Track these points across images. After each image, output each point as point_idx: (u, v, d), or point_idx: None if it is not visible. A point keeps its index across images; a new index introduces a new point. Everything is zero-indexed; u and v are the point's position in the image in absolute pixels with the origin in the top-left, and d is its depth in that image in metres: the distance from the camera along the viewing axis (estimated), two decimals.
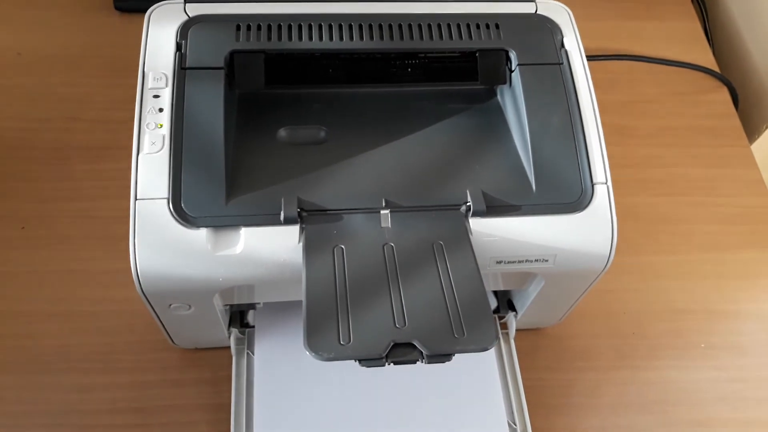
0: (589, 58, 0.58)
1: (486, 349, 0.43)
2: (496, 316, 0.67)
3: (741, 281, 0.74)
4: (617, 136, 0.83)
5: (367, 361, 0.43)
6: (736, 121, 0.86)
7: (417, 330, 0.44)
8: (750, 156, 0.83)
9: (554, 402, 0.66)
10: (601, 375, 0.67)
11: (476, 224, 0.51)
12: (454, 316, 0.45)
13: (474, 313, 0.45)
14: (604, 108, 0.56)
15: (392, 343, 0.43)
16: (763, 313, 0.72)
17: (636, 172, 0.81)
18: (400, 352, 0.43)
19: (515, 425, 0.62)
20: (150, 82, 0.52)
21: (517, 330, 0.66)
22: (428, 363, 0.43)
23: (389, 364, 0.43)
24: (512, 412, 0.63)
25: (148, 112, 0.51)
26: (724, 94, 0.88)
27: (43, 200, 0.72)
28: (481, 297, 0.46)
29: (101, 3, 0.86)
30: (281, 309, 0.62)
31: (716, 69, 0.90)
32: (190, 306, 0.54)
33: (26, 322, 0.66)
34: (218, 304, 0.56)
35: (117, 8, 0.85)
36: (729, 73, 0.91)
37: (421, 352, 0.43)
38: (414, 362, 0.43)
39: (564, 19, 0.59)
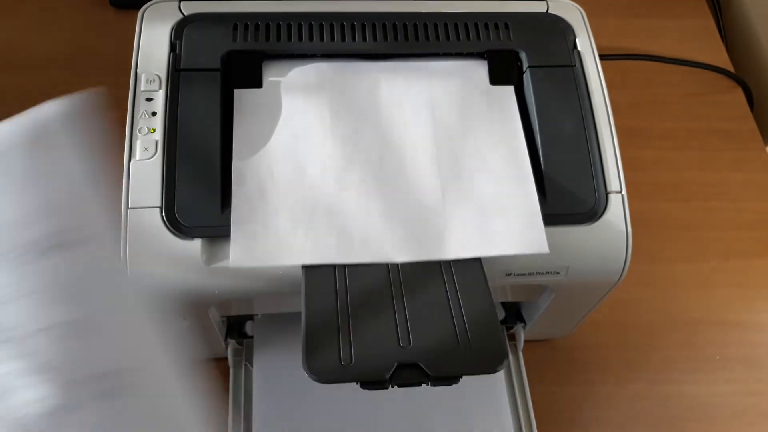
0: (600, 57, 0.55)
1: (495, 372, 0.41)
2: (503, 327, 0.64)
3: (758, 290, 0.72)
4: (628, 138, 0.79)
5: (370, 384, 0.40)
6: (752, 123, 0.83)
7: (422, 350, 0.42)
8: (766, 159, 0.80)
9: (564, 416, 0.63)
10: (612, 388, 0.65)
11: None
12: (462, 334, 0.42)
13: (482, 332, 0.43)
14: (615, 109, 0.53)
15: (396, 365, 0.41)
16: None
17: (648, 176, 0.78)
18: (405, 374, 0.41)
19: None
20: (143, 85, 0.50)
21: (525, 341, 0.64)
22: (434, 385, 0.41)
23: (392, 387, 0.41)
24: (520, 427, 0.60)
25: (141, 116, 0.49)
26: (739, 95, 0.85)
27: None
28: (491, 314, 0.44)
29: None
30: (282, 319, 0.60)
31: (731, 69, 0.87)
32: (184, 318, 0.51)
33: None
34: (214, 316, 0.54)
35: (112, 4, 0.82)
36: (744, 73, 0.89)
37: (427, 374, 0.41)
38: (419, 385, 0.41)
39: (576, 18, 0.57)
